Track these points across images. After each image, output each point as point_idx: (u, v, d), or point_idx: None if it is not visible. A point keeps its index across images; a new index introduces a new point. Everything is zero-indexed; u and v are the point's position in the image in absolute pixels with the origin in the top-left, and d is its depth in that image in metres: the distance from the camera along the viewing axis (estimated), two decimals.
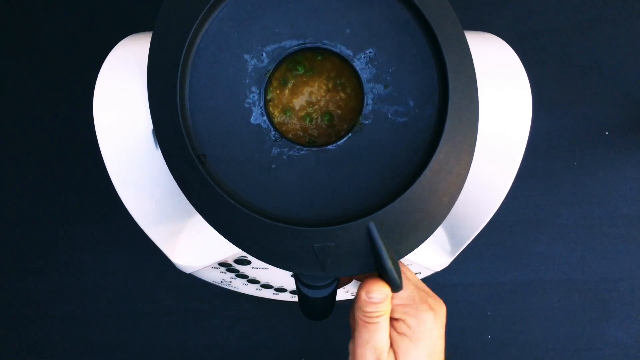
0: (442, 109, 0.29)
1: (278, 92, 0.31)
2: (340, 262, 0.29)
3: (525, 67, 0.35)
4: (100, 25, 0.65)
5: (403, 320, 0.33)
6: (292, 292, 0.54)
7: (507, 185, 0.36)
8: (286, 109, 0.31)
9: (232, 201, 0.28)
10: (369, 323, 0.32)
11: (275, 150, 0.29)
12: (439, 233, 0.46)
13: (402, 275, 0.33)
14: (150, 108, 0.29)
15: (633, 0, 0.61)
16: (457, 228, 0.43)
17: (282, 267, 0.30)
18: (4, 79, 0.65)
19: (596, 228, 0.59)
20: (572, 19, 0.61)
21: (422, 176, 0.28)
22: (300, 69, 0.31)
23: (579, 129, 0.60)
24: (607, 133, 0.60)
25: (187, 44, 0.28)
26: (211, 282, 0.54)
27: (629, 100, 0.60)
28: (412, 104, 0.29)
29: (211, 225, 0.30)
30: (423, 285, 0.34)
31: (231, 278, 0.51)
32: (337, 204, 0.29)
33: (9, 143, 0.64)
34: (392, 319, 0.34)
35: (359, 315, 0.32)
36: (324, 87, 0.32)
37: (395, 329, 0.33)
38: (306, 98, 0.32)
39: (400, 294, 0.33)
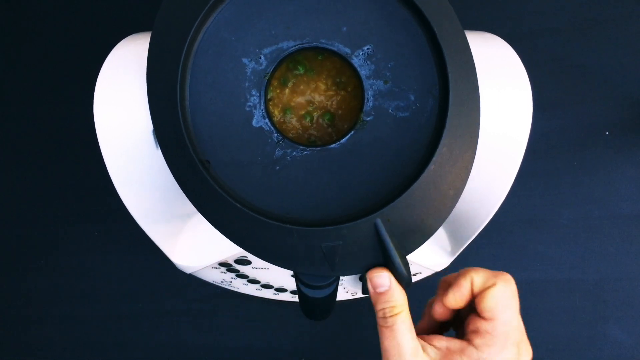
0: (443, 101, 0.29)
1: (278, 91, 0.31)
2: (348, 260, 0.29)
3: (525, 67, 0.35)
4: (100, 25, 0.65)
5: (477, 348, 0.30)
6: (292, 292, 0.54)
7: (508, 185, 0.36)
8: (286, 109, 0.31)
9: (238, 204, 0.28)
10: (385, 327, 0.30)
11: (278, 152, 0.29)
12: (440, 233, 0.46)
13: (510, 309, 0.31)
14: (150, 112, 0.29)
15: (633, 1, 0.61)
16: (457, 228, 0.43)
17: (289, 268, 0.30)
18: (4, 79, 0.65)
19: (596, 228, 0.59)
20: (572, 19, 0.61)
21: (427, 170, 0.28)
22: (300, 68, 0.31)
23: (579, 129, 0.60)
24: (607, 133, 0.60)
25: (185, 50, 0.28)
26: (211, 282, 0.54)
27: (629, 100, 0.60)
28: (412, 98, 0.29)
29: (217, 228, 0.30)
30: (523, 330, 0.33)
31: (231, 278, 0.51)
32: (343, 203, 0.29)
33: (9, 143, 0.64)
34: (466, 341, 0.31)
35: (377, 321, 0.31)
36: (324, 87, 0.32)
37: (463, 355, 0.31)
38: (306, 97, 0.32)
39: (497, 326, 0.30)
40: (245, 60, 0.30)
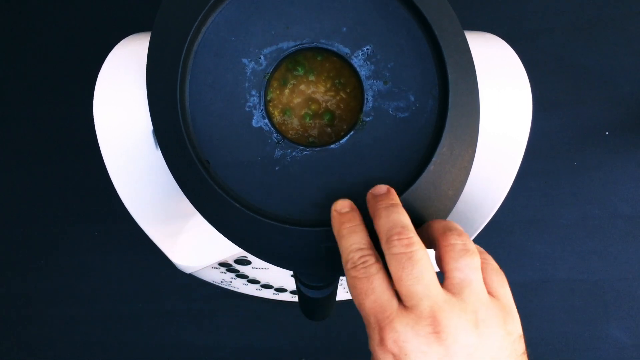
0: (443, 101, 0.29)
1: (278, 92, 0.31)
2: None
3: (525, 67, 0.35)
4: (100, 25, 0.65)
5: None
6: (292, 292, 0.54)
7: (507, 185, 0.36)
8: (286, 109, 0.31)
9: (237, 204, 0.28)
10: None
11: (278, 152, 0.29)
12: None
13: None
14: (150, 112, 0.29)
15: (633, 1, 0.61)
16: None
17: (289, 269, 0.30)
18: (4, 79, 0.65)
19: (596, 228, 0.59)
20: (572, 19, 0.62)
21: (427, 171, 0.28)
22: (300, 69, 0.31)
23: (579, 129, 0.60)
24: (607, 133, 0.60)
25: (185, 50, 0.28)
26: (211, 282, 0.54)
27: (629, 100, 0.60)
28: (412, 98, 0.30)
29: (216, 228, 0.30)
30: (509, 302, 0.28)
31: (231, 278, 0.51)
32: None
33: (9, 143, 0.64)
34: None
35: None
36: (324, 87, 0.32)
37: None
38: (306, 98, 0.32)
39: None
40: (245, 60, 0.30)
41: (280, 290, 0.54)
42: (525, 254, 0.60)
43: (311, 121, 0.31)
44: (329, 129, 0.31)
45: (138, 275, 0.62)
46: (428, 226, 0.28)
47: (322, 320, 0.38)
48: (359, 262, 0.26)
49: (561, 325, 0.59)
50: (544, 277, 0.59)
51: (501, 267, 0.64)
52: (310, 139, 0.31)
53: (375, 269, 0.25)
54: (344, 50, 0.30)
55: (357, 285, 0.25)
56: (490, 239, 0.59)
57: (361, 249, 0.26)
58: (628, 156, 0.60)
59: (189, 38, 0.28)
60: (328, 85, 0.31)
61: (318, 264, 0.29)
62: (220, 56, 0.29)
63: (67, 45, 0.65)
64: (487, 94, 0.33)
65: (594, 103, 0.60)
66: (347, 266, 0.26)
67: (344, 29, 0.30)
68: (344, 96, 0.31)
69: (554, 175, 0.60)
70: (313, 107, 0.32)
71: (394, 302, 0.25)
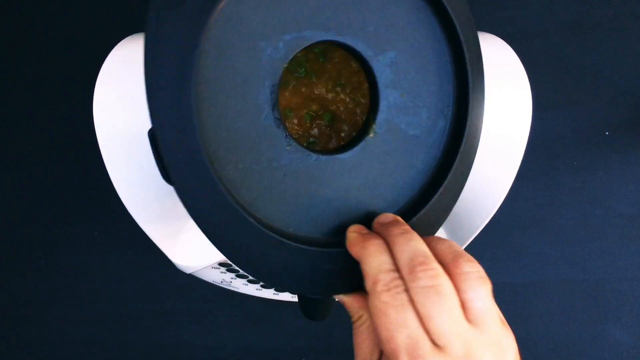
0: (458, 125, 0.28)
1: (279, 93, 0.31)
2: (351, 277, 0.28)
3: (525, 67, 0.35)
4: (100, 25, 0.65)
5: None
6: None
7: (507, 185, 0.36)
8: (287, 110, 0.31)
9: (247, 217, 0.26)
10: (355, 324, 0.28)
11: (286, 157, 0.27)
12: (439, 233, 0.46)
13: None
14: (149, 108, 0.28)
15: (632, 1, 0.61)
16: (457, 228, 0.43)
17: (286, 290, 0.30)
18: (4, 79, 0.65)
19: (596, 228, 0.59)
20: (572, 19, 0.61)
21: (433, 199, 0.28)
22: (301, 71, 0.31)
23: (579, 129, 0.60)
24: (607, 133, 0.60)
25: (200, 29, 0.25)
26: (211, 282, 0.54)
27: (629, 100, 0.60)
28: (425, 116, 0.28)
29: (207, 236, 0.29)
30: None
31: (231, 278, 0.51)
32: (346, 222, 0.28)
33: (9, 143, 0.64)
34: None
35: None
36: (325, 89, 0.31)
37: None
38: (307, 99, 0.32)
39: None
40: (263, 43, 0.26)
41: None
42: (525, 254, 0.60)
43: (311, 122, 0.31)
44: (329, 130, 0.31)
45: (138, 275, 0.62)
46: (431, 246, 0.26)
47: (322, 320, 0.38)
48: (392, 285, 0.24)
49: (561, 325, 0.59)
50: (544, 277, 0.59)
51: (501, 267, 0.64)
52: (311, 139, 0.31)
53: (407, 298, 0.24)
54: (368, 51, 0.28)
55: (390, 313, 0.23)
56: (490, 239, 0.59)
57: (393, 271, 0.24)
58: (628, 156, 0.60)
59: (205, 12, 0.25)
60: (329, 87, 0.31)
61: (317, 284, 0.28)
62: (237, 36, 0.26)
63: (67, 45, 0.65)
64: (487, 94, 0.33)
65: (594, 103, 0.60)
66: (378, 288, 0.24)
67: (371, 28, 0.27)
68: (343, 98, 0.31)
69: (554, 175, 0.60)
70: (314, 108, 0.31)
71: (427, 339, 0.23)
